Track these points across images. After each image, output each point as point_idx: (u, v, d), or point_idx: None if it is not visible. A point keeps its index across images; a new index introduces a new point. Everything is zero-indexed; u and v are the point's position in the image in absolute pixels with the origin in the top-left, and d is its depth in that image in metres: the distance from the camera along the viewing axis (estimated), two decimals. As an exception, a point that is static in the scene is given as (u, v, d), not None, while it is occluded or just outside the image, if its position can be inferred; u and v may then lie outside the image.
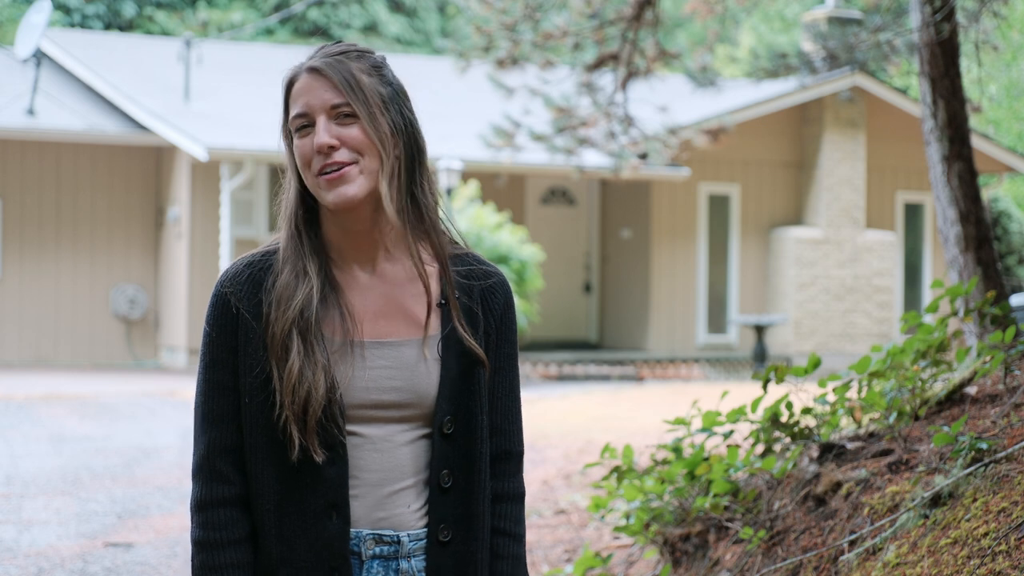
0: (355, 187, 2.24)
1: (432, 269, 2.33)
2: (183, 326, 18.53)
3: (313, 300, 2.24)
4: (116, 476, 9.67)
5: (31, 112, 18.52)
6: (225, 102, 19.69)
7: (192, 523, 2.30)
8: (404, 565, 2.28)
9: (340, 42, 2.34)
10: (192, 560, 2.29)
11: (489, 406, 2.36)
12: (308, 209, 2.32)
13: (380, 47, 30.48)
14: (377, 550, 2.27)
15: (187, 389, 15.40)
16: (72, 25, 28.93)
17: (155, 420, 12.86)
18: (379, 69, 2.30)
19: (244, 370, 2.26)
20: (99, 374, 17.72)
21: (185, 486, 9.32)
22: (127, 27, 29.99)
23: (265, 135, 18.27)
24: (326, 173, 2.24)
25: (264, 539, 2.27)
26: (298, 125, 2.28)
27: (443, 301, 2.32)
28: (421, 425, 2.29)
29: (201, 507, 2.28)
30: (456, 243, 2.38)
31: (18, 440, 11.35)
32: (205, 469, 2.28)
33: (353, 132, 2.25)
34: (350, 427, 2.25)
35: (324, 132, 2.24)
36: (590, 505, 5.56)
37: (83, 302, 19.22)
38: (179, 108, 18.88)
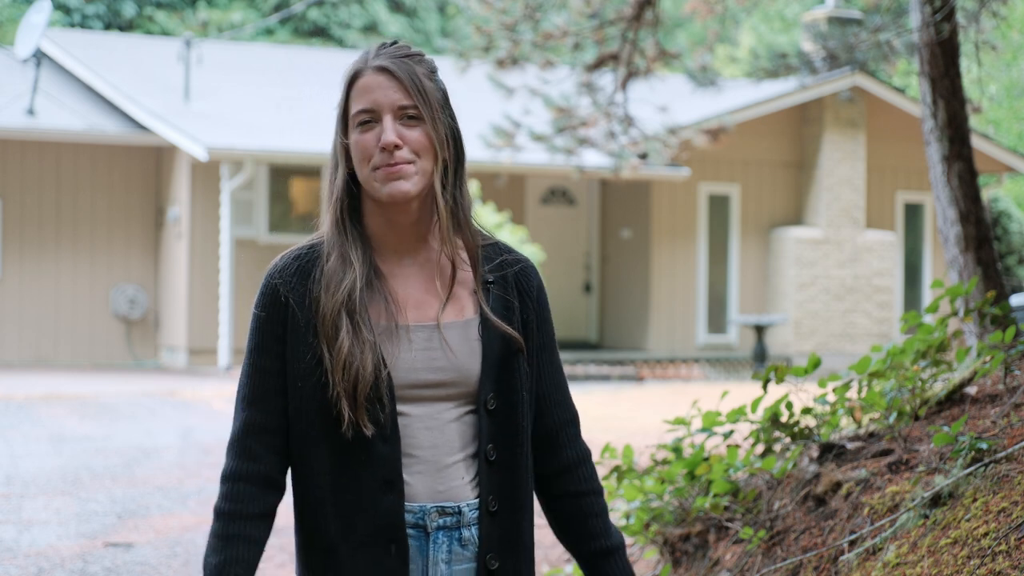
0: (410, 184, 2.37)
1: (466, 261, 2.46)
2: (183, 326, 18.53)
3: (358, 284, 2.37)
4: (116, 476, 9.67)
5: (31, 112, 18.52)
6: (225, 102, 19.69)
7: (218, 494, 2.43)
8: (466, 533, 2.42)
9: (396, 42, 2.44)
10: (210, 529, 2.43)
11: (541, 381, 2.52)
12: (352, 199, 2.44)
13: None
14: (441, 521, 2.39)
15: (187, 389, 15.41)
16: (72, 25, 28.93)
17: (155, 420, 12.86)
18: (434, 74, 2.43)
19: (295, 357, 2.38)
20: (99, 374, 17.72)
21: (185, 486, 9.33)
22: (127, 27, 29.99)
23: (265, 135, 18.28)
24: (385, 167, 2.36)
25: (321, 518, 2.38)
26: (362, 119, 2.39)
27: (475, 289, 2.46)
28: (466, 402, 2.42)
29: (225, 479, 2.41)
30: (485, 235, 2.51)
31: (18, 440, 11.35)
32: (237, 446, 2.41)
33: (416, 134, 2.37)
34: (400, 407, 2.38)
35: (391, 131, 2.36)
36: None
37: (83, 302, 19.22)
38: (179, 108, 18.88)
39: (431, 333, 2.41)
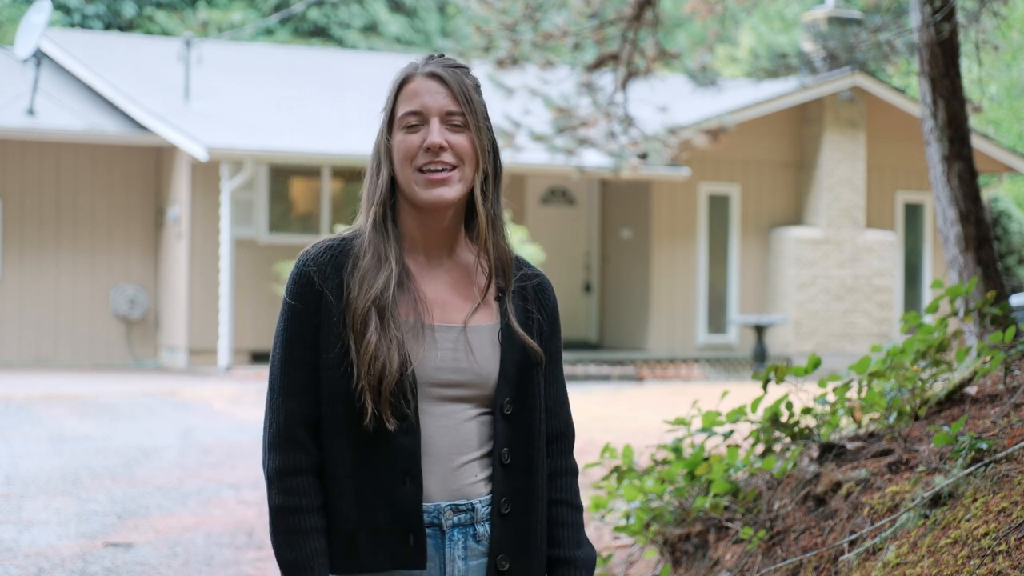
0: (452, 191, 2.45)
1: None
2: (183, 326, 18.53)
3: (391, 283, 2.43)
4: (116, 476, 9.67)
5: (31, 112, 18.52)
6: (225, 102, 19.69)
7: (271, 490, 2.45)
8: (480, 529, 2.47)
9: (443, 55, 2.52)
10: (273, 525, 2.45)
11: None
12: (393, 199, 2.51)
13: (380, 47, 30.49)
14: (456, 519, 2.45)
15: (187, 389, 15.41)
16: (72, 25, 28.93)
17: (155, 420, 12.86)
18: (479, 88, 2.52)
19: (326, 346, 2.44)
20: (99, 374, 17.72)
21: (185, 486, 9.32)
22: (127, 27, 29.99)
23: (265, 135, 18.27)
24: (429, 171, 2.44)
25: (342, 505, 2.44)
26: (409, 122, 2.46)
27: (500, 295, 2.53)
28: (483, 405, 2.48)
29: (281, 475, 2.44)
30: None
31: (18, 440, 11.35)
32: (285, 438, 2.45)
33: (461, 140, 2.46)
34: (420, 403, 2.44)
35: (437, 133, 2.44)
36: (590, 505, 5.56)
37: (83, 302, 19.22)
38: (179, 108, 18.88)
39: (457, 335, 2.47)
